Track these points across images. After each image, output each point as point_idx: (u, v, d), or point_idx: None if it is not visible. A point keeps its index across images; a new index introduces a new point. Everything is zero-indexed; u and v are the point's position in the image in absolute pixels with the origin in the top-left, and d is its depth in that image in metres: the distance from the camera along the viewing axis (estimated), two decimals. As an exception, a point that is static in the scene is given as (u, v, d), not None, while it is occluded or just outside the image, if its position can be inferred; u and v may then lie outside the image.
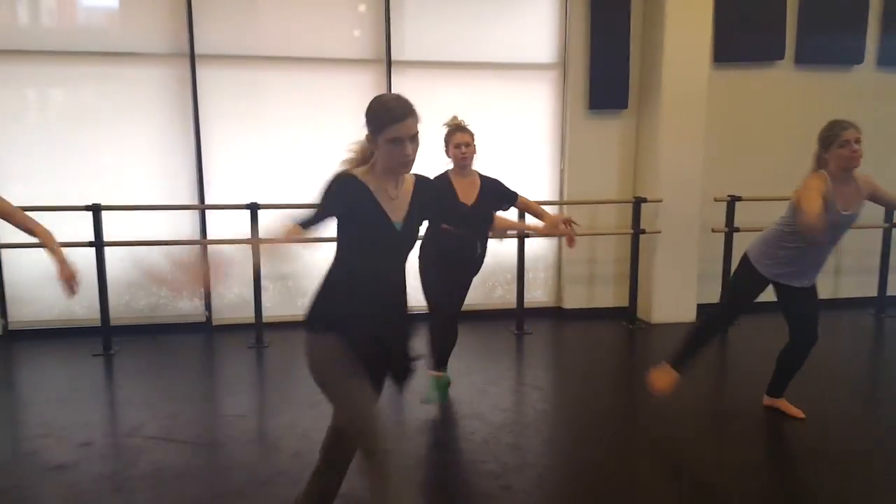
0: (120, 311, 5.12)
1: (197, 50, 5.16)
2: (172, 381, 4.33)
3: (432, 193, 2.26)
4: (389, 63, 5.42)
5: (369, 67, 5.45)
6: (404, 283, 2.25)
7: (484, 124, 5.52)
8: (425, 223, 2.45)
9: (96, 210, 4.69)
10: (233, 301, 5.44)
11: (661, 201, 5.50)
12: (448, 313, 3.82)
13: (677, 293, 5.68)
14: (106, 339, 4.80)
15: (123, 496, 2.89)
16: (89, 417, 3.73)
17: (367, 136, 2.10)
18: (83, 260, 4.87)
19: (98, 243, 4.72)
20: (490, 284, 5.79)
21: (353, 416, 2.15)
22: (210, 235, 5.29)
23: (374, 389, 2.21)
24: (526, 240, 5.38)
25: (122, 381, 4.46)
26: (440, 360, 3.87)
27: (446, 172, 3.75)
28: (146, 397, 4.05)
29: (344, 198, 2.06)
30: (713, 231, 5.54)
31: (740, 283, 3.61)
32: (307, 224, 2.05)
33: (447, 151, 3.74)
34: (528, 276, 5.54)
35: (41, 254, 5.01)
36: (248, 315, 5.17)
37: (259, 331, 4.99)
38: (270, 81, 5.37)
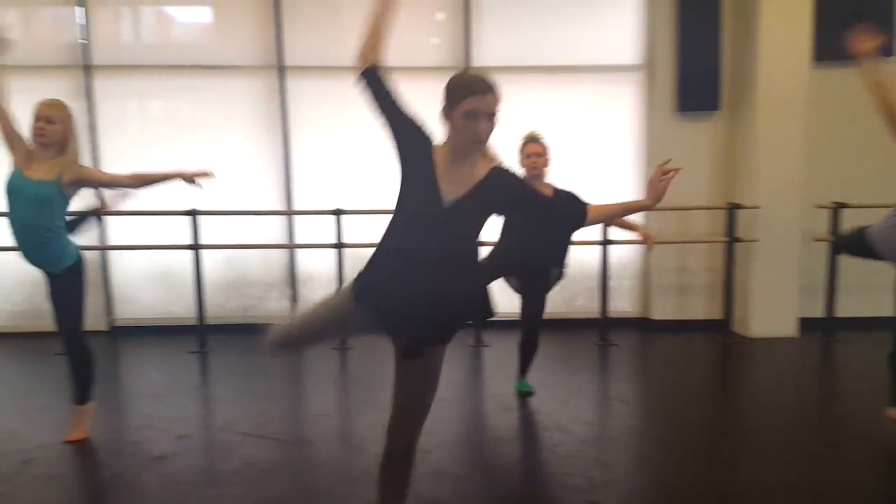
0: (215, 311, 5.34)
1: (286, 62, 5.35)
2: (262, 380, 4.47)
3: (511, 183, 2.10)
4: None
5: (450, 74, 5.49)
6: (450, 271, 2.02)
7: (566, 129, 5.45)
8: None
9: (194, 215, 4.93)
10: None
11: (758, 208, 5.25)
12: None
13: (776, 306, 5.40)
14: (201, 337, 5.03)
15: (218, 489, 3.00)
16: (186, 411, 3.91)
17: (441, 111, 2.02)
18: (182, 262, 5.18)
19: (196, 246, 4.96)
20: (572, 293, 5.69)
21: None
22: (297, 240, 5.47)
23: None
24: (609, 247, 5.25)
25: (216, 377, 4.66)
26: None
27: None
28: (238, 394, 4.21)
29: (414, 138, 2.04)
30: (815, 240, 5.24)
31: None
32: (385, 92, 2.08)
33: (521, 161, 3.78)
34: (611, 284, 5.41)
35: (144, 255, 5.40)
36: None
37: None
38: (355, 91, 5.48)
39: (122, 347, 5.28)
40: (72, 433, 3.45)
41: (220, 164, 5.39)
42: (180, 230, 5.00)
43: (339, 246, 4.98)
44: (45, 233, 3.20)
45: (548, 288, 3.92)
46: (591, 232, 3.89)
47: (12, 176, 3.21)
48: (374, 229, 5.40)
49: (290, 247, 5.39)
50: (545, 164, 3.77)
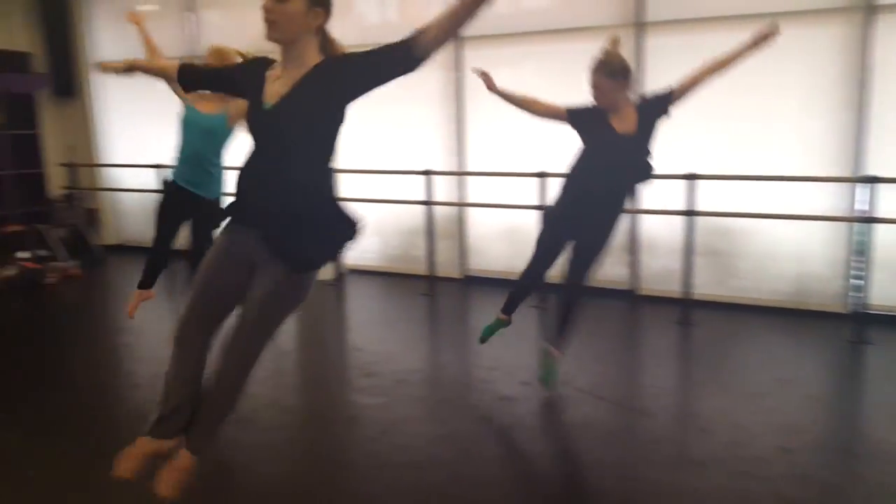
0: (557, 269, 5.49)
1: (647, 17, 5.14)
2: (598, 343, 4.48)
3: (339, 64, 1.89)
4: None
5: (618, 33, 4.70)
6: (289, 181, 1.91)
7: (760, 86, 4.66)
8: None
9: (542, 177, 5.09)
10: (659, 272, 5.37)
11: None
12: (529, 265, 3.55)
13: None
14: (543, 293, 5.21)
15: (562, 444, 3.10)
16: (529, 360, 4.10)
17: None
18: (527, 221, 5.42)
19: (542, 207, 5.13)
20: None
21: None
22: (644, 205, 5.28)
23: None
24: None
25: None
26: (505, 305, 3.67)
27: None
28: (575, 352, 4.25)
29: (242, 71, 2.12)
30: None
31: None
32: (190, 73, 2.18)
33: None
34: None
35: (495, 213, 5.79)
36: (674, 289, 5.04)
37: (686, 308, 4.82)
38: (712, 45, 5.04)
39: (471, 294, 5.78)
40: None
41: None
42: (529, 191, 5.23)
43: (691, 213, 4.68)
44: (211, 161, 3.71)
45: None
46: None
47: (186, 110, 3.68)
48: (732, 197, 4.98)
49: (636, 212, 5.22)
50: (608, 96, 3.15)
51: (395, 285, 6.01)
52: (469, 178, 5.92)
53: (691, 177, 4.66)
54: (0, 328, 5.13)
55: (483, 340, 3.72)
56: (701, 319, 4.77)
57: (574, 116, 3.28)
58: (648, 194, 5.24)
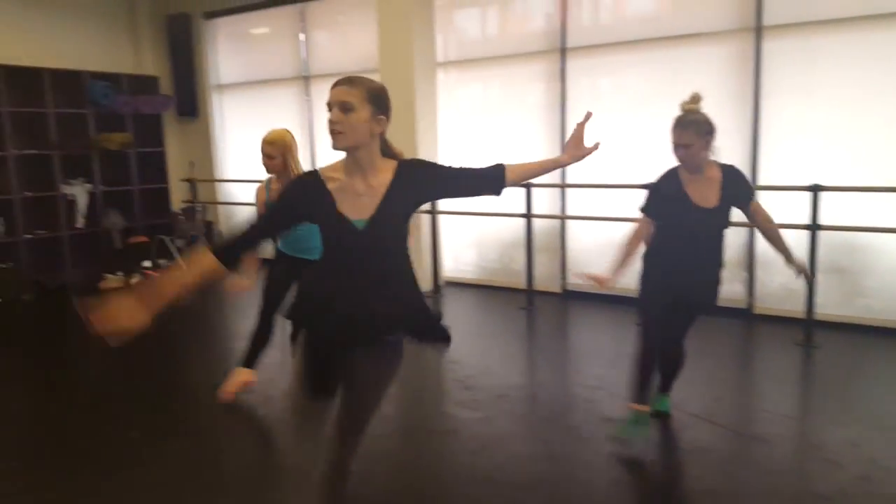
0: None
1: (764, 21, 4.86)
2: (713, 364, 4.23)
3: (421, 171, 1.97)
4: None
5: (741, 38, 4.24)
6: (392, 291, 1.96)
7: (888, 94, 4.29)
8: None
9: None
10: (777, 291, 5.03)
11: None
12: (653, 338, 3.12)
13: None
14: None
15: (667, 469, 2.93)
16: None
17: None
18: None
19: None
20: None
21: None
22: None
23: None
24: None
25: (662, 353, 4.59)
26: (637, 391, 3.15)
27: (672, 169, 2.98)
28: (688, 375, 4.03)
29: (295, 201, 1.94)
30: None
31: None
32: (245, 238, 1.91)
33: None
34: None
35: (596, 226, 5.64)
36: (794, 308, 4.71)
37: (809, 328, 4.48)
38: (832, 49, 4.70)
39: (572, 310, 5.64)
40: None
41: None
42: (627, 203, 5.05)
43: (814, 228, 4.36)
44: (313, 230, 3.58)
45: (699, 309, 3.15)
46: None
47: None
48: (859, 211, 4.61)
49: (740, 225, 4.92)
50: (694, 154, 2.87)
51: (492, 298, 5.97)
52: (570, 189, 5.81)
53: (815, 188, 4.35)
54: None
55: (628, 440, 3.11)
56: (824, 341, 4.42)
57: (652, 211, 3.07)
58: (768, 208, 4.97)
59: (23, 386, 4.26)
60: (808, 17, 4.73)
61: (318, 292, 1.98)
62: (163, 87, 8.01)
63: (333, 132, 1.82)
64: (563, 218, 5.87)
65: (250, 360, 3.73)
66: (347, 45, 7.06)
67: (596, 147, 2.11)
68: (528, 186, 5.48)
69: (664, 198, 3.01)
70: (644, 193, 3.11)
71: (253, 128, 7.77)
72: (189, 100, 8.04)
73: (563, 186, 5.78)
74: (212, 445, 3.30)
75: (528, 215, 5.53)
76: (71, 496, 2.84)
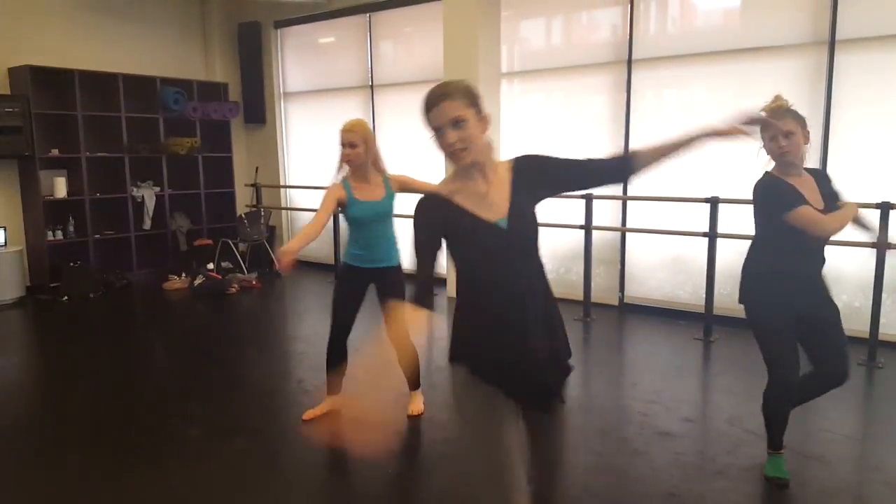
0: (723, 301, 5.21)
1: (838, 36, 4.77)
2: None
3: (537, 164, 1.87)
4: None
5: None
6: (536, 284, 1.82)
7: None
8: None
9: (714, 203, 4.88)
10: (842, 309, 4.90)
11: None
12: (783, 368, 2.82)
13: None
14: (707, 325, 4.99)
15: (725, 482, 2.93)
16: (692, 395, 3.94)
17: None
18: (692, 249, 5.20)
19: (712, 234, 4.91)
20: None
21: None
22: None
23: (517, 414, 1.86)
24: None
25: (720, 368, 4.56)
26: (772, 437, 2.94)
27: (770, 174, 2.75)
28: (744, 389, 4.02)
29: (432, 223, 1.81)
30: None
31: None
32: (426, 277, 1.78)
33: (764, 146, 2.72)
34: None
35: (656, 239, 5.62)
36: (857, 328, 4.60)
37: (873, 348, 4.38)
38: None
39: (629, 323, 5.63)
40: None
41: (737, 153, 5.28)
42: (694, 217, 5.03)
43: (885, 247, 4.27)
44: (387, 235, 3.48)
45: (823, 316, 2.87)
46: None
47: (353, 204, 3.37)
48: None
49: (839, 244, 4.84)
50: (798, 145, 2.69)
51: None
52: (631, 202, 5.80)
53: (885, 206, 4.25)
54: (185, 332, 5.77)
55: (778, 481, 2.92)
56: (889, 362, 4.31)
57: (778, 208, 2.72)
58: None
59: (87, 382, 4.44)
60: (881, 31, 4.63)
61: (474, 325, 1.82)
62: (231, 94, 8.34)
63: (455, 152, 1.74)
64: (623, 230, 5.86)
65: (333, 387, 3.63)
66: (413, 55, 7.22)
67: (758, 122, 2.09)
68: (588, 198, 5.51)
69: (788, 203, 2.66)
70: (769, 198, 2.75)
71: (318, 136, 8.06)
72: (257, 107, 8.35)
73: (623, 199, 5.78)
74: (269, 446, 3.43)
75: (587, 227, 5.56)
76: (130, 490, 2.95)
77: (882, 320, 4.41)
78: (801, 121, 2.72)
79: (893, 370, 4.25)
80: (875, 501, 2.77)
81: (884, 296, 4.43)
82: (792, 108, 2.74)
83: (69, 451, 3.36)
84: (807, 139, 2.76)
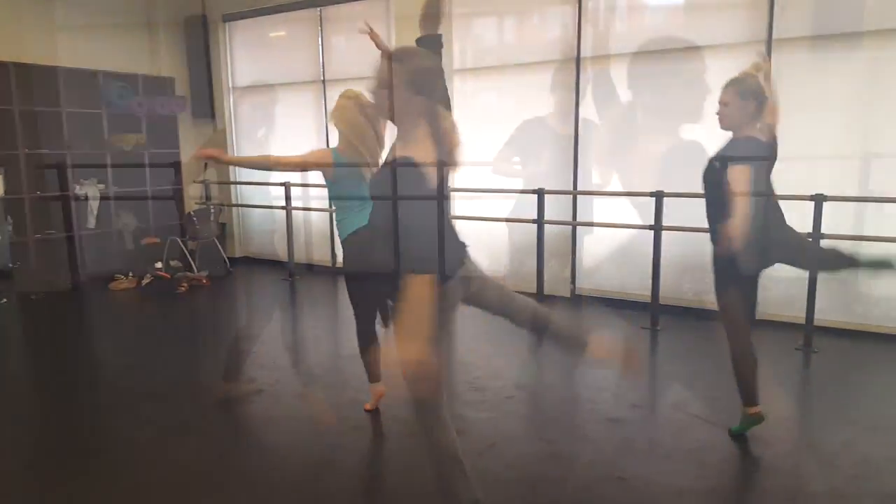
0: (667, 292, 5.36)
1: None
2: (711, 366, 4.34)
3: None
4: None
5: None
6: None
7: None
8: None
9: (658, 197, 5.03)
10: (778, 296, 5.14)
11: None
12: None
13: None
14: (654, 314, 5.14)
15: (669, 465, 3.05)
16: (639, 383, 4.06)
17: None
18: (639, 241, 5.35)
19: (657, 227, 5.06)
20: None
21: None
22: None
23: None
24: None
25: (667, 356, 4.72)
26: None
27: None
28: (689, 376, 4.18)
29: None
30: None
31: None
32: None
33: None
34: None
35: (607, 232, 5.76)
36: (794, 314, 4.83)
37: (809, 334, 4.60)
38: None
39: (580, 314, 5.77)
40: None
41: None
42: (643, 210, 5.17)
43: (818, 237, 4.47)
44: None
45: None
46: None
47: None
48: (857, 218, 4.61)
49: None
50: (728, 114, 2.94)
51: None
52: (581, 196, 5.92)
53: (819, 198, 4.45)
54: (133, 332, 5.66)
55: (737, 435, 3.30)
56: (824, 347, 4.55)
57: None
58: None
59: (31, 385, 4.34)
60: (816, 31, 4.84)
61: None
62: (179, 88, 8.17)
63: None
64: (574, 224, 5.97)
65: (374, 375, 3.66)
66: (364, 50, 7.17)
67: None
68: (540, 193, 5.59)
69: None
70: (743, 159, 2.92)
71: (268, 130, 7.96)
72: (205, 102, 8.19)
73: (574, 194, 5.89)
74: (222, 445, 3.40)
75: (539, 221, 5.65)
76: (79, 495, 2.90)
77: (818, 306, 4.63)
78: (742, 93, 2.90)
79: (828, 355, 4.46)
80: (812, 478, 2.92)
81: (819, 283, 4.65)
82: (743, 79, 2.93)
83: (11, 457, 3.28)
84: (746, 111, 2.91)
